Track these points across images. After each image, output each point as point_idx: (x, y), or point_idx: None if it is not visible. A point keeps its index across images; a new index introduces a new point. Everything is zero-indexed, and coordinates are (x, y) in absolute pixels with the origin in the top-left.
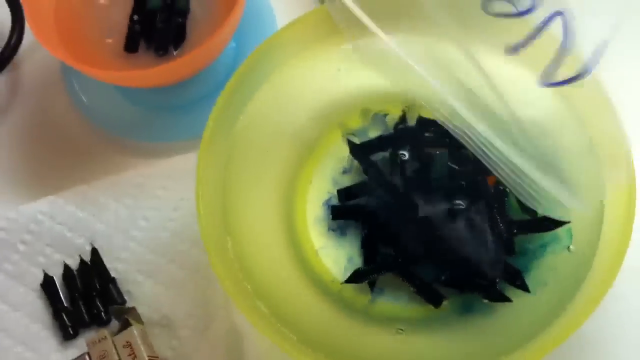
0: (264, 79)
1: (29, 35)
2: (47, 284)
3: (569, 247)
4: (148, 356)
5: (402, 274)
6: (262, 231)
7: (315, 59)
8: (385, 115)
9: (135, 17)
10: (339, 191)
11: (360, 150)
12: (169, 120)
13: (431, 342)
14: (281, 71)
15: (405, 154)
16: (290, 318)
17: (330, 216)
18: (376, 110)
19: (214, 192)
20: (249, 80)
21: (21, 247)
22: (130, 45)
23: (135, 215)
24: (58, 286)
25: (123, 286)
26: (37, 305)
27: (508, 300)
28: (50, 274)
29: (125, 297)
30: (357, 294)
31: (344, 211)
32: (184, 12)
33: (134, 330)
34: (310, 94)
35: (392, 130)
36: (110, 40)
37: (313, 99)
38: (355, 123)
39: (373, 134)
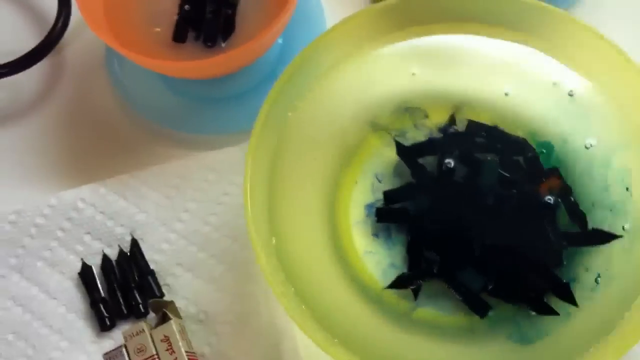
0: (315, 77)
1: (73, 21)
2: (85, 273)
3: None
4: (186, 352)
5: (448, 281)
6: (306, 231)
7: (365, 59)
8: (426, 116)
9: (186, 7)
10: (385, 193)
11: (407, 153)
12: (211, 113)
13: (473, 353)
14: (332, 70)
15: (452, 162)
16: (331, 320)
17: (375, 219)
18: (420, 114)
19: (261, 188)
20: (301, 78)
21: (60, 234)
22: (179, 35)
23: (177, 207)
24: (96, 276)
25: (162, 279)
26: (74, 294)
27: (555, 313)
28: (89, 262)
29: (164, 290)
30: (399, 300)
31: (390, 214)
32: (234, 4)
33: (173, 324)
34: (357, 95)
35: (440, 135)
36: (158, 29)
37: (360, 100)
38: (399, 124)
39: (412, 136)
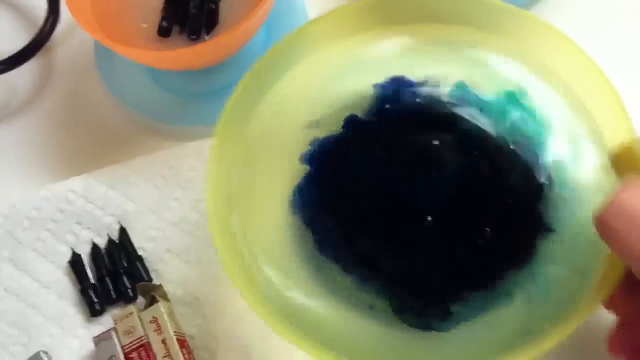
0: (285, 69)
1: (63, 21)
2: (75, 261)
3: None
4: (174, 332)
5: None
6: (269, 217)
7: (340, 53)
8: None
9: (169, 2)
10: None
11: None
12: (198, 106)
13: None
14: (304, 63)
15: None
16: (291, 305)
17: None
18: None
19: (225, 178)
20: (271, 69)
21: (51, 225)
22: (164, 30)
23: (165, 195)
24: (86, 264)
25: (151, 265)
26: (65, 282)
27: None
28: (79, 252)
29: (153, 276)
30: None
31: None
32: None
33: (161, 306)
34: (330, 89)
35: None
36: (145, 25)
37: (331, 95)
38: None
39: None
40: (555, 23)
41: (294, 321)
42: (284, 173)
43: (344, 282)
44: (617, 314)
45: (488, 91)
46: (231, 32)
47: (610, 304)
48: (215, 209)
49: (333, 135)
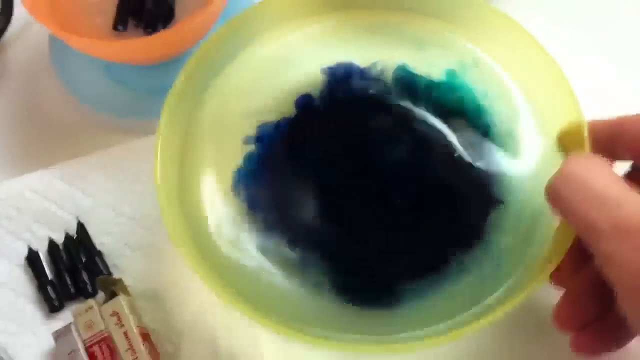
0: (231, 56)
1: (16, 19)
2: (32, 258)
3: None
4: (136, 326)
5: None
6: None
7: (287, 37)
8: None
9: None
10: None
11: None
12: (154, 100)
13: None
14: (249, 50)
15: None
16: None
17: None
18: None
19: (172, 163)
20: (214, 57)
21: (5, 223)
22: (119, 24)
23: (123, 190)
24: (43, 260)
25: (110, 260)
26: (22, 279)
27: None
28: (35, 248)
29: (112, 271)
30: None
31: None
32: None
33: (121, 299)
34: (275, 76)
35: None
36: (99, 19)
37: (279, 80)
38: None
39: None
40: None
41: (243, 292)
42: (232, 157)
43: (290, 256)
44: (564, 288)
45: (431, 72)
46: (184, 22)
47: (557, 279)
48: (166, 201)
49: (279, 119)
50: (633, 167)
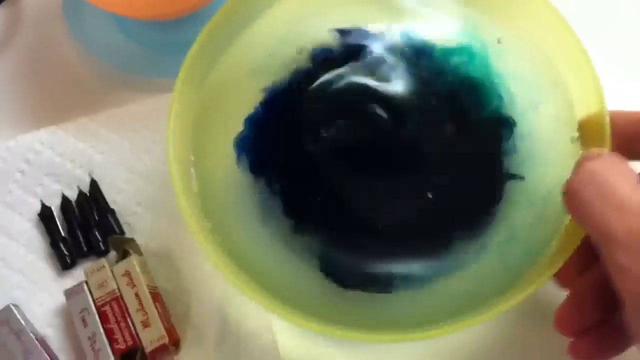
0: (249, 18)
1: None
2: (45, 214)
3: None
4: (147, 285)
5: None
6: (226, 169)
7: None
8: None
9: None
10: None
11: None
12: (169, 57)
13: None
14: (265, 14)
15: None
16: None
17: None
18: None
19: (186, 129)
20: (233, 19)
21: (18, 177)
22: None
23: (137, 148)
24: (55, 216)
25: (122, 218)
26: (34, 235)
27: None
28: (48, 204)
29: (125, 229)
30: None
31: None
32: None
33: (133, 260)
34: (292, 39)
35: None
36: None
37: (294, 45)
38: None
39: None
40: None
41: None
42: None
43: (284, 223)
44: (567, 289)
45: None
46: None
47: (563, 280)
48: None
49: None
50: None
